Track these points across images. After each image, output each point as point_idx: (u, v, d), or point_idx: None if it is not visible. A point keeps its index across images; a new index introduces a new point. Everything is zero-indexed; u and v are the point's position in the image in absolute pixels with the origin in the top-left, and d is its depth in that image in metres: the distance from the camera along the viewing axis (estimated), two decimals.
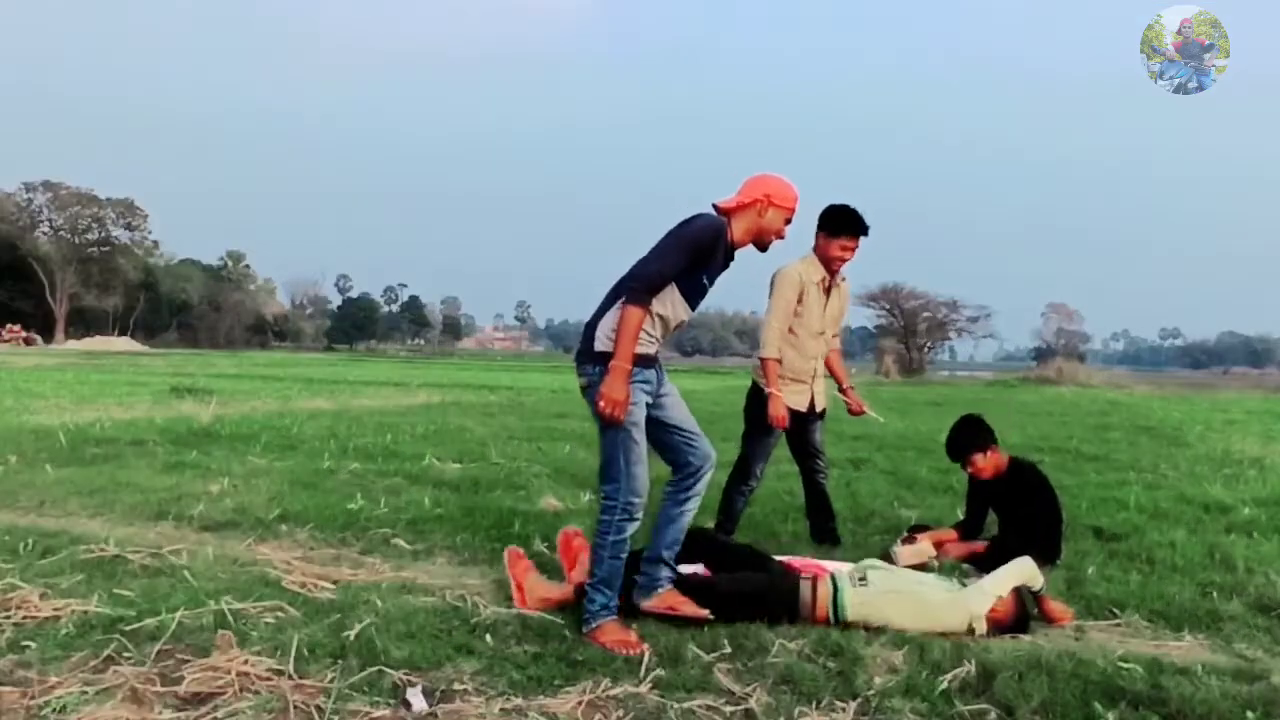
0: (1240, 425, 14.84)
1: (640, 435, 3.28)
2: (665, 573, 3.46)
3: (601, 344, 3.24)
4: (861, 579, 3.54)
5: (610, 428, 3.21)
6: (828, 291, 4.83)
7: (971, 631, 3.42)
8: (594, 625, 3.24)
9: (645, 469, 3.28)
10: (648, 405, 3.32)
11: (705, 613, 3.37)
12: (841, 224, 4.65)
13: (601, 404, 3.15)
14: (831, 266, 4.75)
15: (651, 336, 3.28)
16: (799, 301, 4.73)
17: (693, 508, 3.46)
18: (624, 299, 3.19)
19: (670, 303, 3.31)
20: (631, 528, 3.29)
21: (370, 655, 3.02)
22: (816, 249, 4.76)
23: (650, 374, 3.31)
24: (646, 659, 3.06)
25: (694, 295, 3.35)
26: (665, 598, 3.43)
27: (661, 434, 3.40)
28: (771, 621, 3.42)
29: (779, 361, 4.72)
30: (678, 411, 3.43)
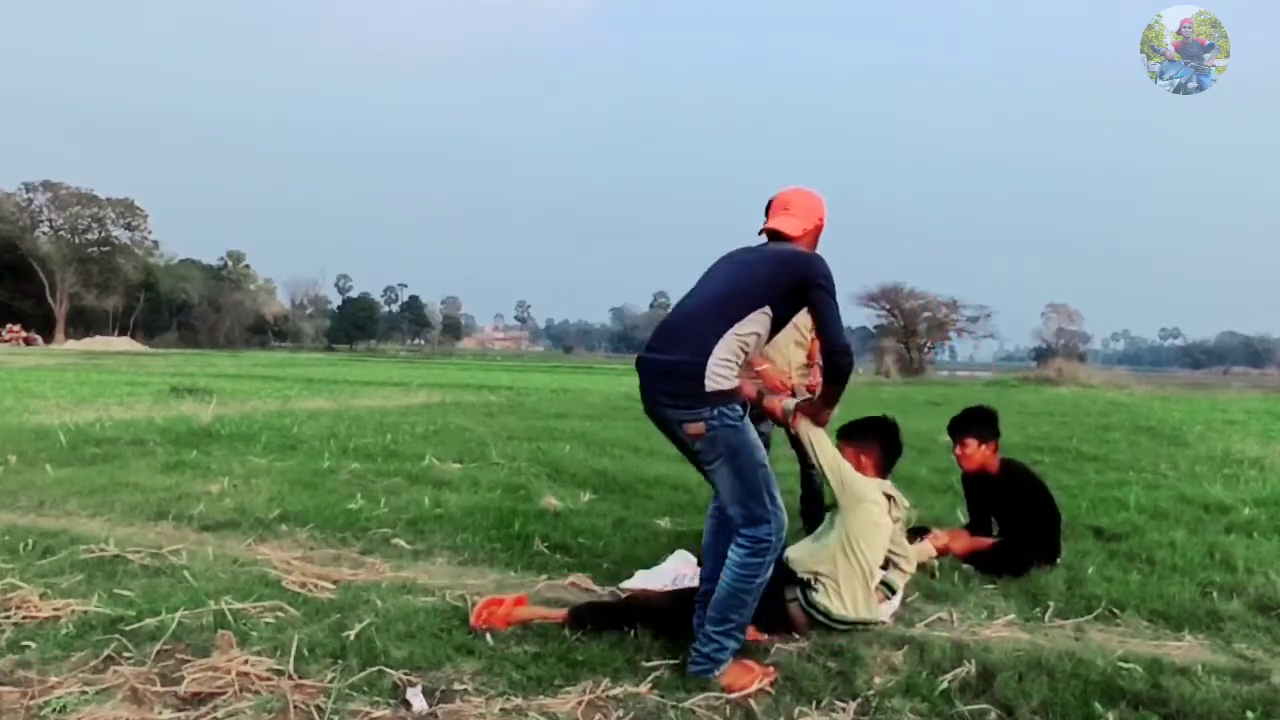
0: (1240, 425, 14.84)
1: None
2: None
3: (716, 382, 2.95)
4: (816, 585, 3.50)
5: (748, 469, 3.00)
6: None
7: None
8: (719, 673, 2.97)
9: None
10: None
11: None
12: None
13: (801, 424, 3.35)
14: None
15: (736, 368, 3.05)
16: None
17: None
18: (840, 377, 3.15)
19: (764, 337, 3.13)
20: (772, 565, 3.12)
21: (370, 655, 3.03)
22: None
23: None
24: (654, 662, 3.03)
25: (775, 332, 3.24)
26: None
27: None
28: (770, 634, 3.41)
29: None
30: None
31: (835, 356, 3.08)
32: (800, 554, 3.58)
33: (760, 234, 3.39)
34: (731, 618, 3.01)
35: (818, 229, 3.44)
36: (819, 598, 3.45)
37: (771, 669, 3.03)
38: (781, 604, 3.44)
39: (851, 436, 3.83)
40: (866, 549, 3.50)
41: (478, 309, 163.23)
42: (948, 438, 4.87)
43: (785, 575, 3.47)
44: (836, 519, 3.59)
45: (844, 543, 3.48)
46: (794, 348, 4.90)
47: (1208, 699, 2.85)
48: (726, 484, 3.02)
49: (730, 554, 3.04)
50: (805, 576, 3.50)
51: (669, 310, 3.26)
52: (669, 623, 3.31)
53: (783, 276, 3.08)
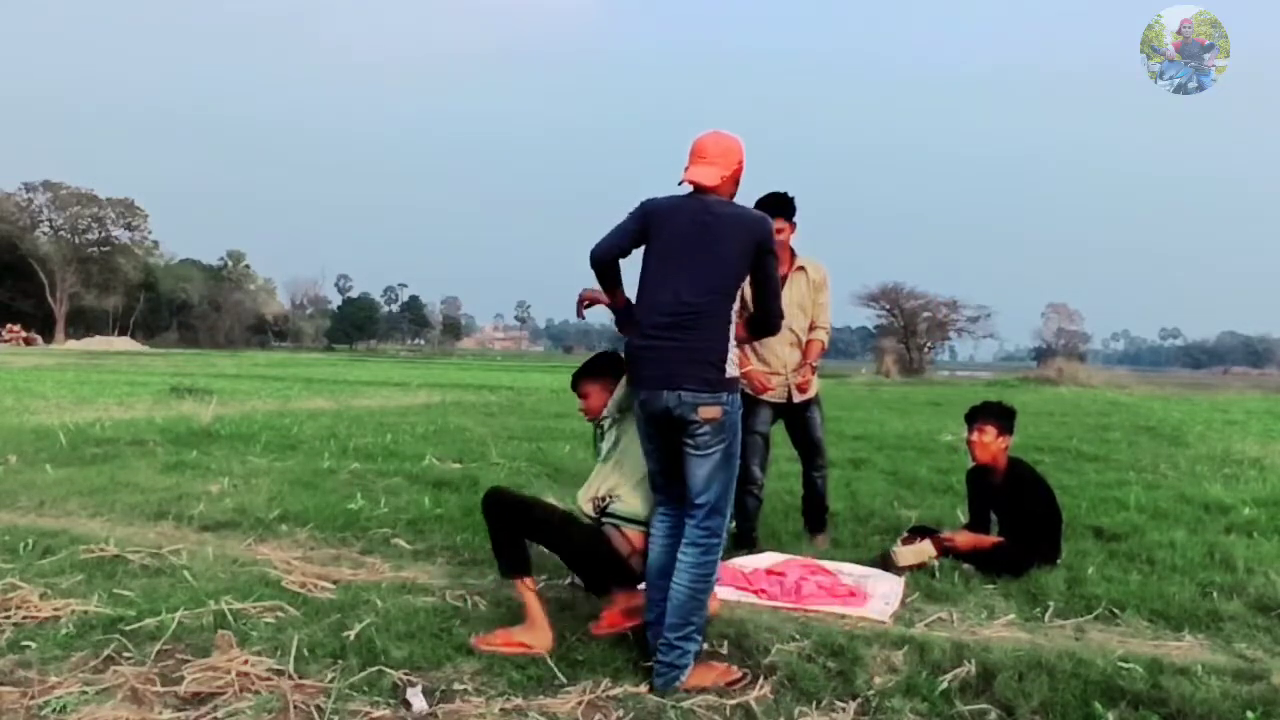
0: (1240, 425, 14.83)
1: None
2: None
3: (730, 368, 3.03)
4: (610, 501, 3.47)
5: (737, 456, 3.07)
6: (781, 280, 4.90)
7: None
8: (684, 679, 2.93)
9: None
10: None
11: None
12: (765, 208, 4.67)
13: None
14: None
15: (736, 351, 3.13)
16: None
17: None
18: (761, 334, 3.33)
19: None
20: None
21: (370, 655, 3.03)
22: None
23: None
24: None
25: None
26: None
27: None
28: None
29: None
30: None
31: (772, 320, 3.24)
32: (584, 492, 3.57)
33: (680, 184, 3.22)
34: (692, 620, 3.00)
35: (736, 174, 3.28)
36: (621, 506, 3.40)
37: (736, 669, 3.01)
38: (607, 547, 3.40)
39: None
40: (638, 447, 3.43)
41: (478, 309, 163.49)
42: (951, 436, 4.87)
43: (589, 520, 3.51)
44: (611, 437, 3.54)
45: (628, 448, 3.42)
46: (789, 349, 4.90)
47: (1208, 699, 2.85)
48: (714, 471, 3.03)
49: (682, 557, 3.03)
50: (598, 503, 3.47)
51: (659, 281, 3.09)
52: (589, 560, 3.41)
53: (749, 245, 3.08)
